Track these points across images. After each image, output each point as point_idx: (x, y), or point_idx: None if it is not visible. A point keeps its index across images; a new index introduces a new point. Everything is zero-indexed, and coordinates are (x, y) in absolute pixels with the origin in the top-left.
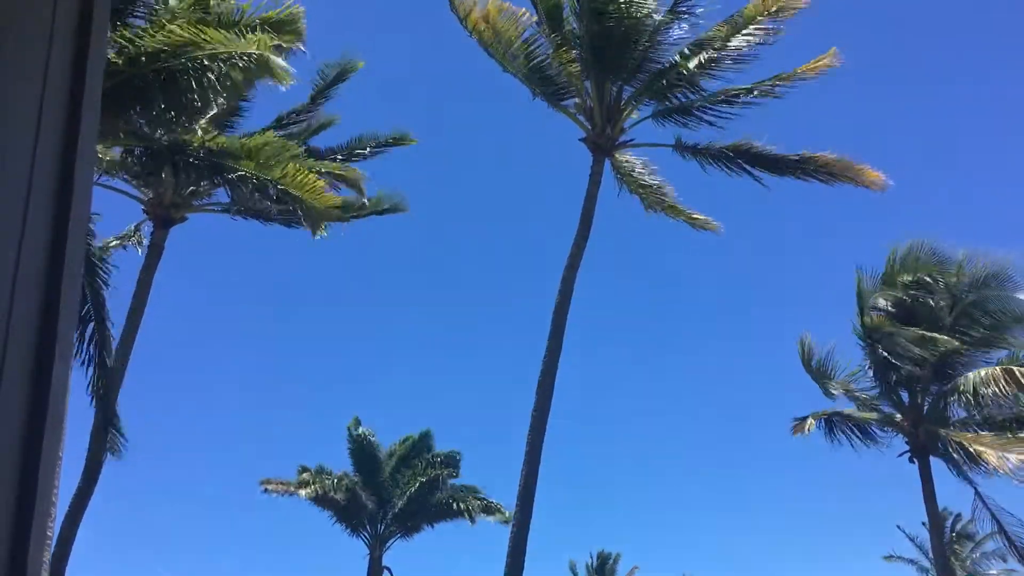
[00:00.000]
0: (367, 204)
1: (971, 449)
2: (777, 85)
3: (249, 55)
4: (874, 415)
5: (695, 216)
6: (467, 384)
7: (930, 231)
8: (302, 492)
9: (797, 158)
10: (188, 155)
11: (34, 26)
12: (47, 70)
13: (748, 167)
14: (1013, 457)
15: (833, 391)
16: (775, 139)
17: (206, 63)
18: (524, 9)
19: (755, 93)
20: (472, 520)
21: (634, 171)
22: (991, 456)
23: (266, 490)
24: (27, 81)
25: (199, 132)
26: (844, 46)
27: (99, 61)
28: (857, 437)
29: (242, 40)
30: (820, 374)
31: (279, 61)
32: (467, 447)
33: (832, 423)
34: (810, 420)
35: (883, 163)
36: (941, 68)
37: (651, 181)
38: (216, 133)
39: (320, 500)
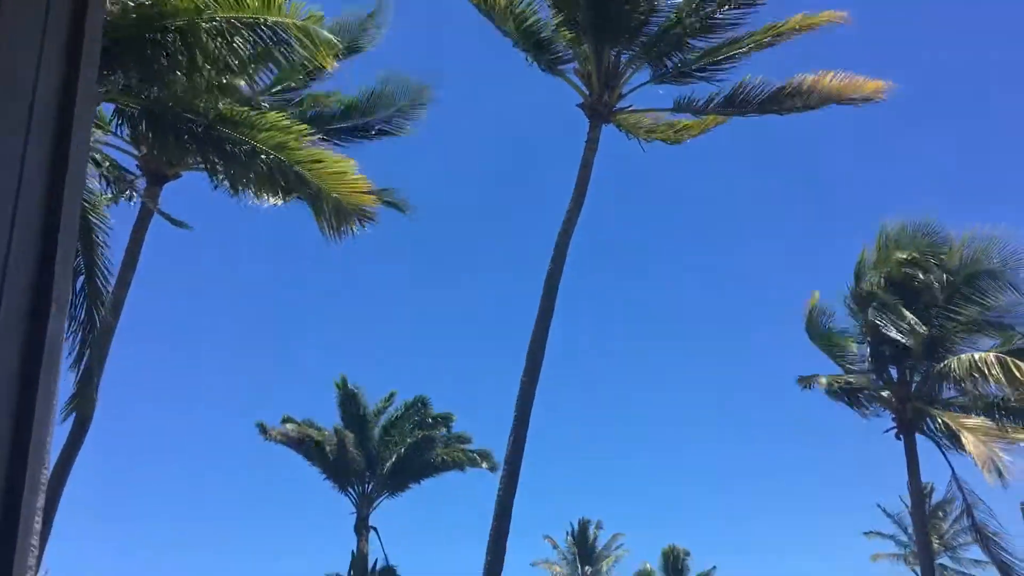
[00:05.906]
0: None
1: (954, 428)
2: (770, 38)
3: (279, 26)
4: (866, 381)
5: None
6: (459, 349)
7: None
8: (288, 428)
9: (796, 87)
10: (190, 122)
11: None
12: (46, 21)
13: (749, 114)
14: (995, 448)
15: (837, 354)
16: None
17: (228, 27)
18: None
19: (749, 47)
20: (463, 469)
21: (641, 123)
22: (969, 441)
23: (263, 433)
24: (27, 28)
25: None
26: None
27: (98, 16)
28: (857, 404)
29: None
30: (826, 338)
31: (323, 32)
32: (458, 412)
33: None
34: (823, 379)
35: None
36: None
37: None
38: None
39: (309, 452)
